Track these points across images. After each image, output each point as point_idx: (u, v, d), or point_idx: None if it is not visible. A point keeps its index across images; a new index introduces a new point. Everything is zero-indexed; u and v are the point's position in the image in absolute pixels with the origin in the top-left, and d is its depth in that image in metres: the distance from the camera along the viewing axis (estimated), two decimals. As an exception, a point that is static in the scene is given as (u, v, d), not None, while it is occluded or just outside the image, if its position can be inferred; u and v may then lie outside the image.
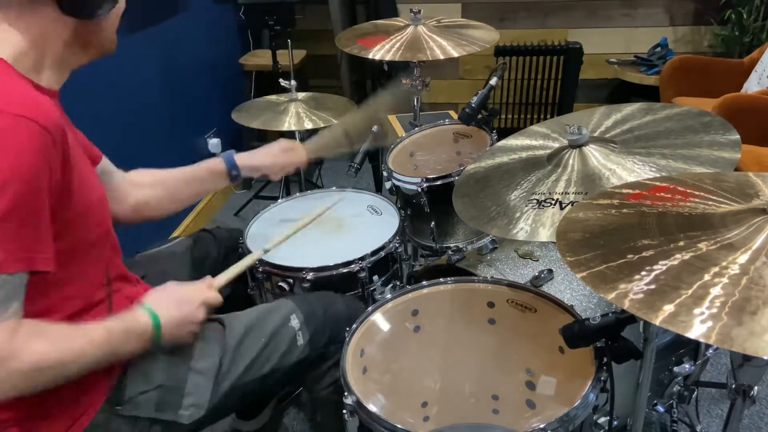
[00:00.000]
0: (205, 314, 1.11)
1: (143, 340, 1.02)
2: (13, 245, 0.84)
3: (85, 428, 1.00)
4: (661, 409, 1.43)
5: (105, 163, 1.26)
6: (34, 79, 0.94)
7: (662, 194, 0.90)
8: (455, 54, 1.74)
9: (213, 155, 3.05)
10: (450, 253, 1.60)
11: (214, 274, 1.28)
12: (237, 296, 1.37)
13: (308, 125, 1.99)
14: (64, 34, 0.94)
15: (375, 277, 1.48)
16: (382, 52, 1.78)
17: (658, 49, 3.36)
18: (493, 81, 1.68)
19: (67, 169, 0.91)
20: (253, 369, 1.14)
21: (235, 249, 1.50)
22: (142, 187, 1.33)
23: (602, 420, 1.14)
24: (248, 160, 1.46)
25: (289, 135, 2.30)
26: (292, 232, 1.37)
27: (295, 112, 2.07)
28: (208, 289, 1.14)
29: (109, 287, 1.08)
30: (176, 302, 1.07)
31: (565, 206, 1.05)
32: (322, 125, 1.99)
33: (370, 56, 1.80)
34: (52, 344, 0.90)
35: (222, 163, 1.42)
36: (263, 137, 3.37)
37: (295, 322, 1.20)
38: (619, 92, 3.61)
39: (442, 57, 1.74)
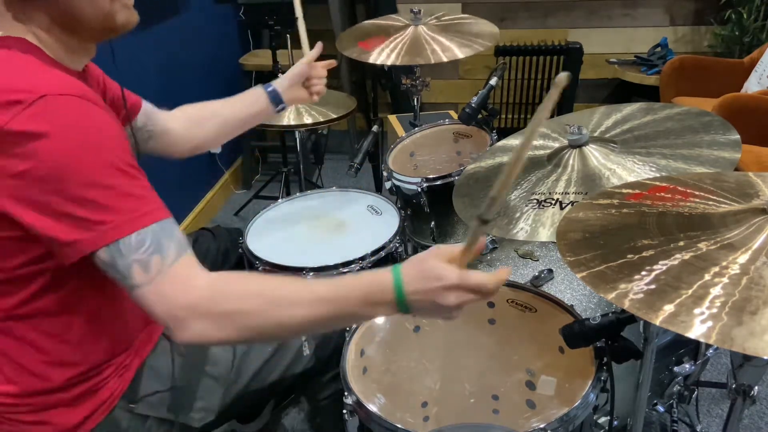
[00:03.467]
0: (459, 301, 0.82)
1: (381, 304, 0.84)
2: (131, 201, 0.84)
3: (99, 422, 1.00)
4: (661, 409, 1.43)
5: (146, 108, 1.27)
6: (63, 63, 0.92)
7: (662, 194, 0.90)
8: (457, 56, 1.74)
9: (213, 155, 3.06)
10: (450, 253, 1.60)
11: None
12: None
13: (307, 120, 1.99)
14: (41, 20, 0.88)
15: (375, 277, 1.48)
16: (383, 56, 1.78)
17: (658, 49, 3.36)
18: (493, 81, 1.68)
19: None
20: (259, 378, 1.14)
21: (235, 248, 1.50)
22: (188, 120, 1.34)
23: (602, 420, 1.14)
24: (281, 77, 1.41)
25: (289, 131, 2.30)
26: (503, 185, 0.79)
27: (294, 108, 2.07)
28: (458, 269, 0.82)
29: None
30: (424, 272, 0.83)
31: (565, 206, 1.05)
32: (321, 120, 1.99)
33: (371, 60, 1.79)
34: (252, 289, 0.87)
35: (258, 87, 1.39)
36: (263, 135, 3.38)
37: None
38: (619, 92, 3.61)
39: (445, 59, 1.72)
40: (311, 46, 1.45)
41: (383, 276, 0.84)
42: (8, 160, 0.78)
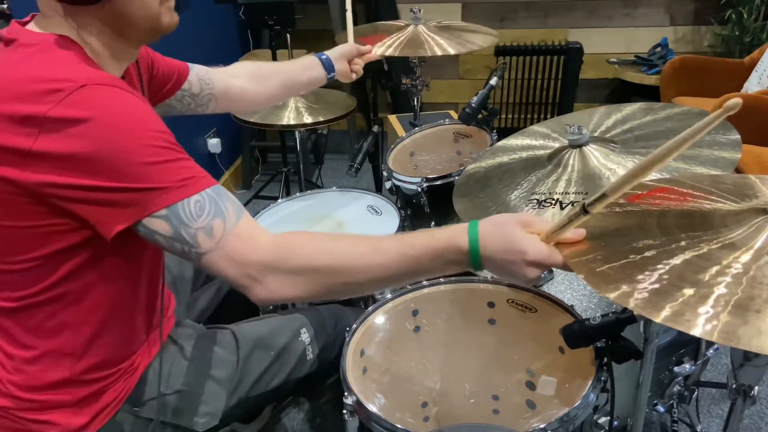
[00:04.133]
0: (537, 274, 0.84)
1: (453, 263, 0.86)
2: (184, 171, 0.86)
3: (104, 425, 1.00)
4: (661, 409, 1.42)
5: (199, 71, 1.32)
6: (103, 68, 0.93)
7: (663, 194, 0.90)
8: (454, 51, 1.74)
9: (213, 155, 3.06)
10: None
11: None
12: (237, 295, 1.36)
13: (308, 119, 1.99)
14: (92, 25, 0.90)
15: (375, 277, 1.48)
16: (382, 48, 1.78)
17: (659, 48, 3.36)
18: (494, 81, 1.68)
19: None
20: (262, 382, 1.14)
21: None
22: (249, 76, 1.39)
23: (602, 420, 1.14)
24: (330, 50, 1.50)
25: (289, 131, 2.30)
26: (621, 184, 0.79)
27: (294, 107, 2.07)
28: (545, 245, 0.84)
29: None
30: (504, 243, 0.84)
31: (565, 206, 1.05)
32: (321, 119, 1.98)
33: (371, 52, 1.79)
34: (324, 246, 0.90)
35: (311, 55, 1.48)
36: (263, 136, 3.38)
37: (305, 336, 1.20)
38: (619, 92, 3.61)
39: (439, 53, 1.73)
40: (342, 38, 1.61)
41: (458, 237, 0.85)
42: (53, 143, 0.79)
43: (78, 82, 0.81)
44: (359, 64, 1.54)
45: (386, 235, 0.90)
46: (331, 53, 1.48)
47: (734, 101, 0.62)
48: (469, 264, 0.85)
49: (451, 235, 0.85)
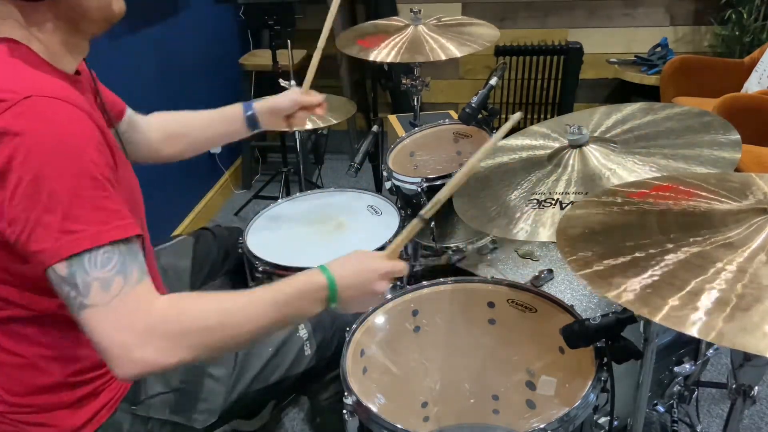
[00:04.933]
0: (388, 286, 0.99)
1: (316, 300, 0.94)
2: (103, 214, 0.81)
3: (102, 424, 1.00)
4: (661, 409, 1.43)
5: (129, 114, 1.26)
6: (56, 65, 0.91)
7: (663, 193, 0.90)
8: (456, 54, 1.74)
9: (213, 156, 3.06)
10: (450, 253, 1.60)
11: (213, 274, 1.26)
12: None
13: (308, 125, 1.99)
14: (45, 22, 0.88)
15: (375, 277, 1.48)
16: (382, 53, 1.78)
17: (659, 48, 3.36)
18: (493, 81, 1.68)
19: (111, 155, 0.89)
20: (261, 377, 1.14)
21: (235, 247, 1.50)
22: (161, 132, 1.32)
23: (602, 420, 1.14)
24: (265, 102, 1.38)
25: (289, 134, 2.30)
26: (451, 191, 1.03)
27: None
28: (390, 260, 1.01)
29: None
30: (355, 268, 0.97)
31: (565, 206, 1.05)
32: (321, 125, 1.98)
33: (371, 58, 1.80)
34: (207, 306, 0.88)
35: (239, 106, 1.37)
36: (263, 137, 3.37)
37: (303, 332, 1.20)
38: (619, 92, 3.61)
39: (443, 57, 1.73)
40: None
41: (316, 276, 0.94)
42: None
43: (23, 93, 0.79)
44: (302, 118, 1.40)
45: (256, 288, 0.92)
46: (263, 107, 1.36)
47: (517, 114, 0.93)
48: (328, 297, 0.93)
49: (309, 276, 0.95)
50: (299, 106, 1.38)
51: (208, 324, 0.86)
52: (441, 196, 0.99)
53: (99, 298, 0.79)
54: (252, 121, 1.36)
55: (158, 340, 0.81)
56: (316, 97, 1.42)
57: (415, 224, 1.00)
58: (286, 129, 1.43)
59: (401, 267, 1.00)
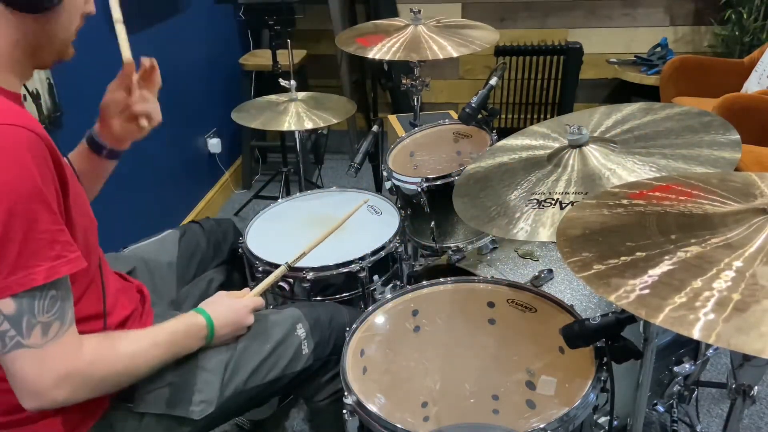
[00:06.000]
0: (252, 319, 1.17)
1: (199, 338, 1.09)
2: (44, 254, 0.83)
3: (96, 422, 1.01)
4: (661, 408, 1.43)
5: None
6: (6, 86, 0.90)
7: (662, 194, 0.90)
8: (455, 54, 1.74)
9: (213, 155, 3.06)
10: (450, 253, 1.60)
11: (203, 266, 1.36)
12: (230, 288, 1.36)
13: (308, 125, 1.99)
14: (11, 33, 0.87)
15: (375, 277, 1.48)
16: (381, 51, 1.78)
17: (658, 49, 3.36)
18: (493, 81, 1.68)
19: (63, 181, 0.89)
20: (257, 375, 1.14)
21: (227, 240, 1.50)
22: None
23: (602, 420, 1.14)
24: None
25: (289, 134, 2.30)
26: (315, 244, 1.36)
27: (295, 112, 2.06)
28: (252, 298, 1.21)
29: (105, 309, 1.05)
30: (228, 308, 1.14)
31: (565, 206, 1.05)
32: (321, 125, 1.99)
33: (370, 56, 1.80)
34: (122, 350, 0.96)
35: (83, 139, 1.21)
36: (263, 136, 3.37)
37: (301, 330, 1.20)
38: (619, 92, 3.61)
39: (441, 57, 1.74)
40: None
41: (196, 317, 1.09)
42: None
43: None
44: (141, 105, 1.17)
45: (155, 327, 1.05)
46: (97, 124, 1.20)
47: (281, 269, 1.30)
48: (208, 334, 1.09)
49: (190, 317, 1.09)
50: (116, 85, 1.20)
51: (118, 369, 0.95)
52: (306, 249, 1.32)
53: (36, 341, 0.84)
54: (92, 141, 1.19)
55: (73, 384, 0.88)
56: (130, 62, 1.21)
57: (281, 270, 1.29)
58: (141, 133, 1.19)
59: (262, 302, 1.21)
